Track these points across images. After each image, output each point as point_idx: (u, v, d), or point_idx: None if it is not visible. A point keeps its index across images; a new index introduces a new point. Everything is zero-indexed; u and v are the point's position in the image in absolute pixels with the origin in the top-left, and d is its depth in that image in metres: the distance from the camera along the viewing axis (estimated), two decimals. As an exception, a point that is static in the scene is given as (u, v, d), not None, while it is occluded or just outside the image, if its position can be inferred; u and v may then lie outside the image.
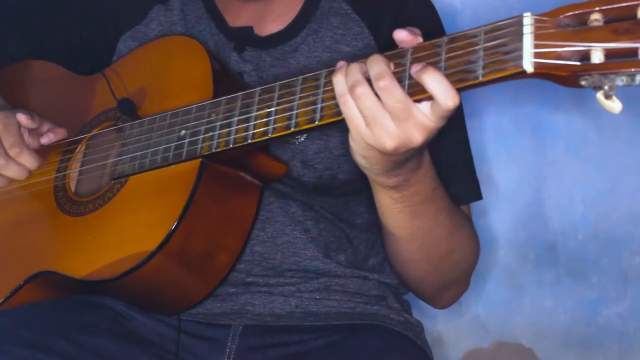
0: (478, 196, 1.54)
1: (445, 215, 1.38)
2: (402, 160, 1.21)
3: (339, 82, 1.16)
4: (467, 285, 1.57)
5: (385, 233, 1.41)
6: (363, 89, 1.13)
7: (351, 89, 1.14)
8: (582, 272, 1.92)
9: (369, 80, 1.14)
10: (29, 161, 1.50)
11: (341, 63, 1.18)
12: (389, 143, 1.14)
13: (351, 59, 1.46)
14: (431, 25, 1.52)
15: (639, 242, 1.89)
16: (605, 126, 1.86)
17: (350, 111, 1.15)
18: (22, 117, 1.48)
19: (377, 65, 1.13)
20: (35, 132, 1.52)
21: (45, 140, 1.51)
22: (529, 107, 1.89)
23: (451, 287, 1.54)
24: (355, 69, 1.15)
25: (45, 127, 1.53)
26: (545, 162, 1.92)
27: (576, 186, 1.91)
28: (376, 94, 1.13)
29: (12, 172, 1.50)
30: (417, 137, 1.13)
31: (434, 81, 1.09)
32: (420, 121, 1.12)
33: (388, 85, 1.11)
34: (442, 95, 1.09)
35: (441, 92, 1.09)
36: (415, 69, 1.11)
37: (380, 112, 1.13)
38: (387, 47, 1.46)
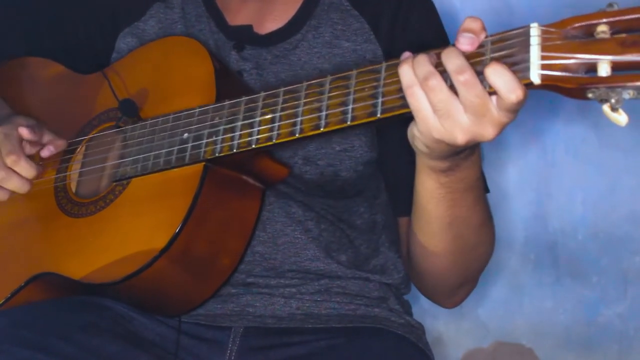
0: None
1: (482, 205, 1.36)
2: (463, 148, 1.19)
3: (406, 72, 1.12)
4: (476, 283, 1.55)
5: (421, 223, 1.38)
6: (437, 81, 1.10)
7: (424, 81, 1.10)
8: (582, 272, 1.93)
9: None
10: (26, 169, 1.47)
11: (407, 54, 1.14)
12: (461, 137, 1.11)
13: (351, 54, 1.47)
14: (429, 20, 1.53)
15: (639, 242, 1.89)
16: (605, 127, 1.86)
17: (419, 103, 1.12)
18: (24, 131, 1.47)
19: (456, 58, 1.09)
20: (36, 144, 1.51)
21: (45, 153, 1.50)
22: (529, 108, 1.87)
23: (466, 284, 1.52)
24: (425, 60, 1.11)
25: (46, 138, 1.51)
26: (546, 163, 1.92)
27: (576, 187, 1.91)
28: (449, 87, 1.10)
29: (14, 184, 1.47)
30: (490, 132, 1.11)
31: (495, 73, 1.06)
32: (496, 117, 1.10)
33: (469, 80, 1.08)
34: (504, 89, 1.06)
35: (502, 84, 1.06)
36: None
37: (454, 105, 1.10)
38: (386, 41, 1.47)
